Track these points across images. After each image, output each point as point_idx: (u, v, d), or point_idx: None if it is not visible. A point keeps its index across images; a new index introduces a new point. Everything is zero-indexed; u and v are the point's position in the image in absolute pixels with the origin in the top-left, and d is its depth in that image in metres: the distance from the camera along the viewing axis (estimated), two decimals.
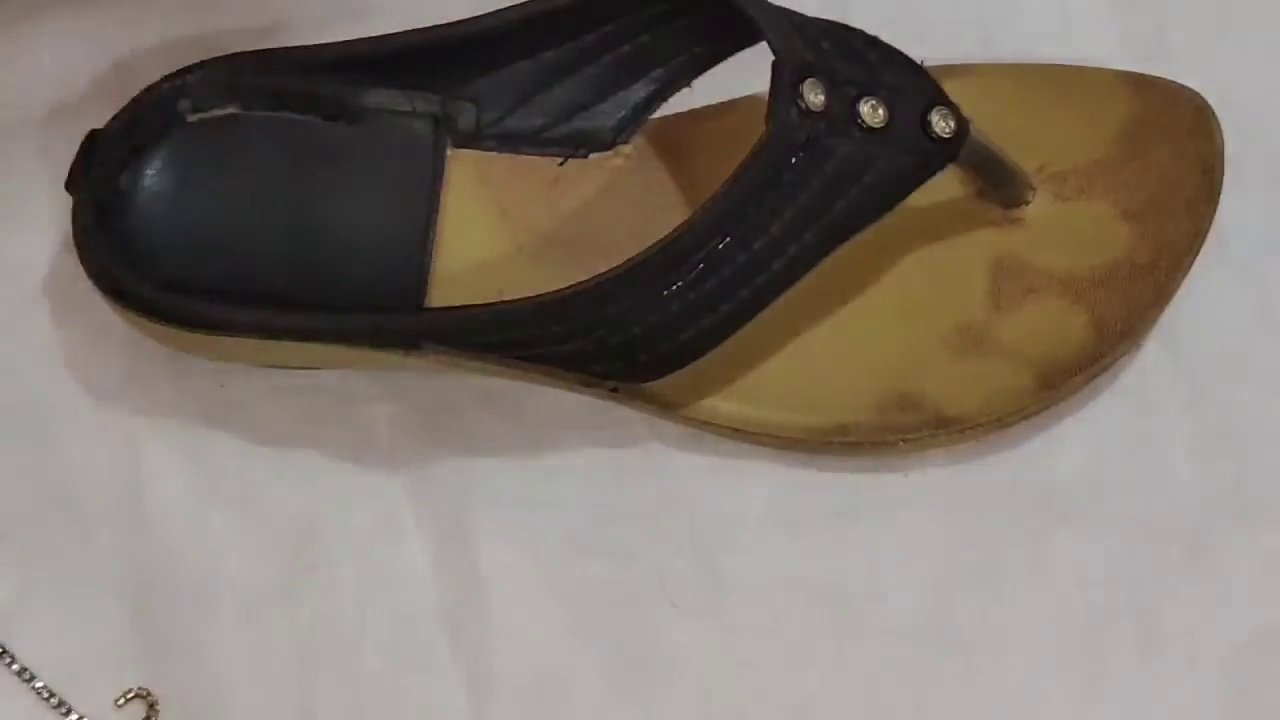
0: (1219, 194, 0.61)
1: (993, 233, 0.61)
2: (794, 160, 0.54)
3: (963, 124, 0.57)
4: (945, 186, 0.60)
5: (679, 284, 0.56)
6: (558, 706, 0.59)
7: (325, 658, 0.60)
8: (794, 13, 0.56)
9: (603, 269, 0.56)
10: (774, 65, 0.54)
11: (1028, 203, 0.61)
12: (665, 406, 0.60)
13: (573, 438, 0.62)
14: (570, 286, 0.56)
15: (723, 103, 0.62)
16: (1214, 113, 0.62)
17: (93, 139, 0.61)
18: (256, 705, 0.59)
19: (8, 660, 0.59)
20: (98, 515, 0.61)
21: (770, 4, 0.57)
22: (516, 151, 0.62)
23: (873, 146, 0.54)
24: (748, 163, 0.54)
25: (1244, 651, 0.59)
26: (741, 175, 0.54)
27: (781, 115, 0.54)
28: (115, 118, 0.61)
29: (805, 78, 0.54)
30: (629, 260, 0.55)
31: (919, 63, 0.58)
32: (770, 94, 0.54)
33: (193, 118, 0.62)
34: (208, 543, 0.61)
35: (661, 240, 0.55)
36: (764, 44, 0.56)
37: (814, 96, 0.54)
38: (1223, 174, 0.61)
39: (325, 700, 0.59)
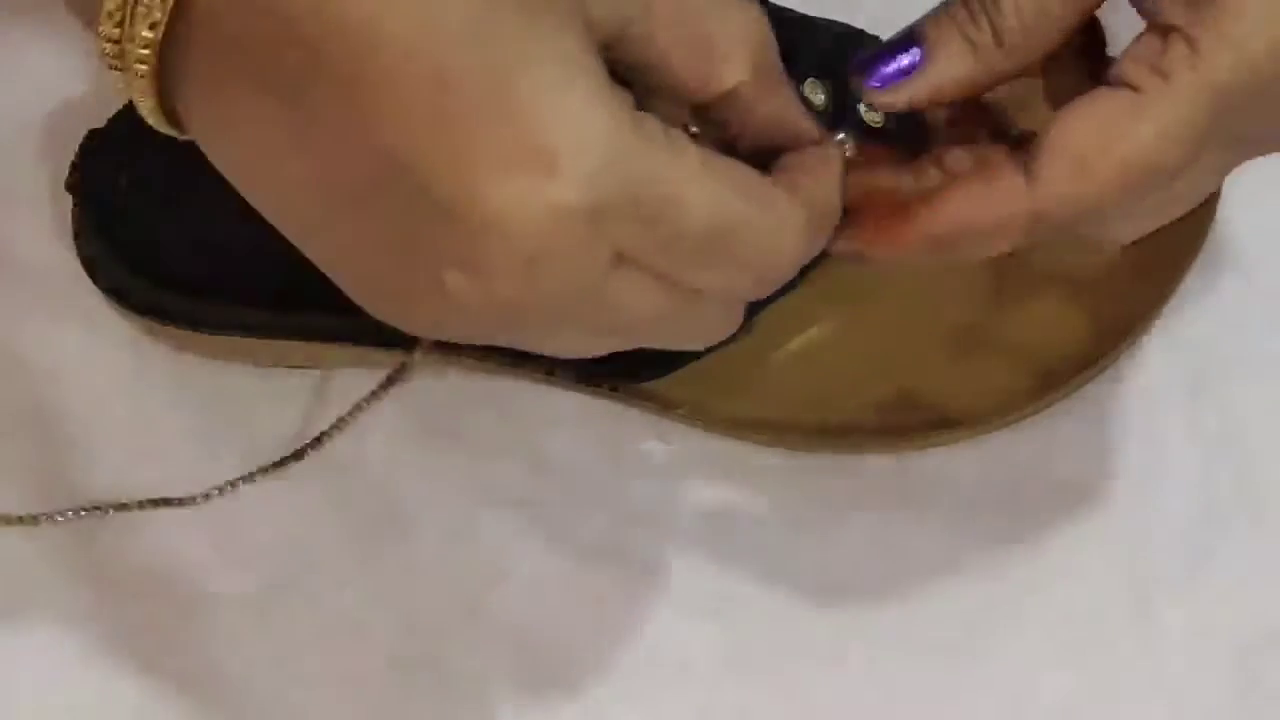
0: (1219, 194, 0.61)
1: None
2: None
3: None
4: None
5: None
6: (558, 706, 0.59)
7: (325, 658, 0.60)
8: (795, 12, 0.57)
9: None
10: None
11: None
12: (665, 405, 0.60)
13: (573, 437, 0.62)
14: None
15: None
16: None
17: (93, 138, 0.61)
18: (256, 705, 0.59)
19: None
20: (97, 515, 0.61)
21: (771, 3, 0.57)
22: None
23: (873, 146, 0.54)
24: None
25: (1245, 651, 0.59)
26: None
27: None
28: (115, 116, 0.61)
29: (806, 77, 0.54)
30: None
31: None
32: None
33: None
34: (208, 542, 0.61)
35: None
36: None
37: (814, 96, 0.54)
38: None
39: (326, 700, 0.59)
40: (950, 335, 0.60)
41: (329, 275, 0.45)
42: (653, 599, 0.60)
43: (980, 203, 0.45)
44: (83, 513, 0.60)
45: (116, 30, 0.43)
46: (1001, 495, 0.61)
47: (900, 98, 0.47)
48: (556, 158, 0.40)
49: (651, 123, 0.42)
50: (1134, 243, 0.60)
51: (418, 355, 0.59)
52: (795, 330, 0.60)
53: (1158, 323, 0.61)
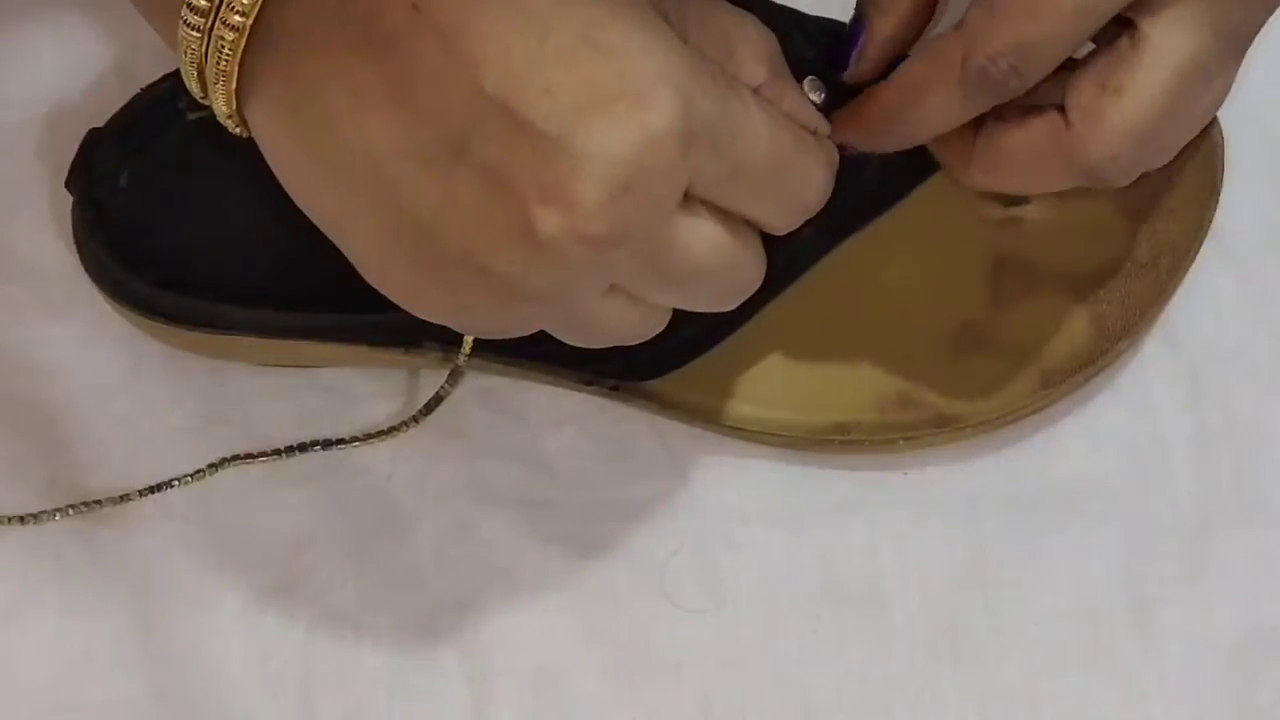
0: (1219, 192, 0.61)
1: (993, 231, 0.61)
2: None
3: None
4: (945, 185, 0.60)
5: None
6: (558, 705, 0.59)
7: (325, 658, 0.60)
8: (795, 10, 0.56)
9: None
10: None
11: (1027, 202, 0.61)
12: (665, 405, 0.60)
13: (573, 437, 0.62)
14: None
15: None
16: None
17: (93, 138, 0.61)
18: (257, 705, 0.59)
19: None
20: (97, 514, 0.61)
21: (772, 2, 0.57)
22: None
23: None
24: None
25: (1243, 650, 0.59)
26: None
27: None
28: (115, 116, 0.62)
29: (804, 75, 0.54)
30: None
31: None
32: None
33: (192, 116, 0.62)
34: (207, 542, 0.61)
35: None
36: None
37: (813, 94, 0.54)
38: (1223, 172, 0.61)
39: (325, 700, 0.59)
40: (950, 334, 0.60)
41: (371, 258, 0.48)
42: (652, 599, 0.60)
43: (920, 66, 0.52)
44: (83, 509, 0.60)
45: None
46: (1001, 495, 0.61)
47: (866, 67, 0.54)
48: (651, 90, 0.44)
49: (715, 66, 0.47)
50: (1134, 241, 0.60)
51: (462, 359, 0.59)
52: (795, 330, 0.60)
53: (1157, 322, 0.61)
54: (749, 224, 0.50)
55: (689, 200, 0.47)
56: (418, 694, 0.59)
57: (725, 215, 0.48)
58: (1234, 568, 0.60)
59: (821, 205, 0.51)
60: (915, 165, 0.56)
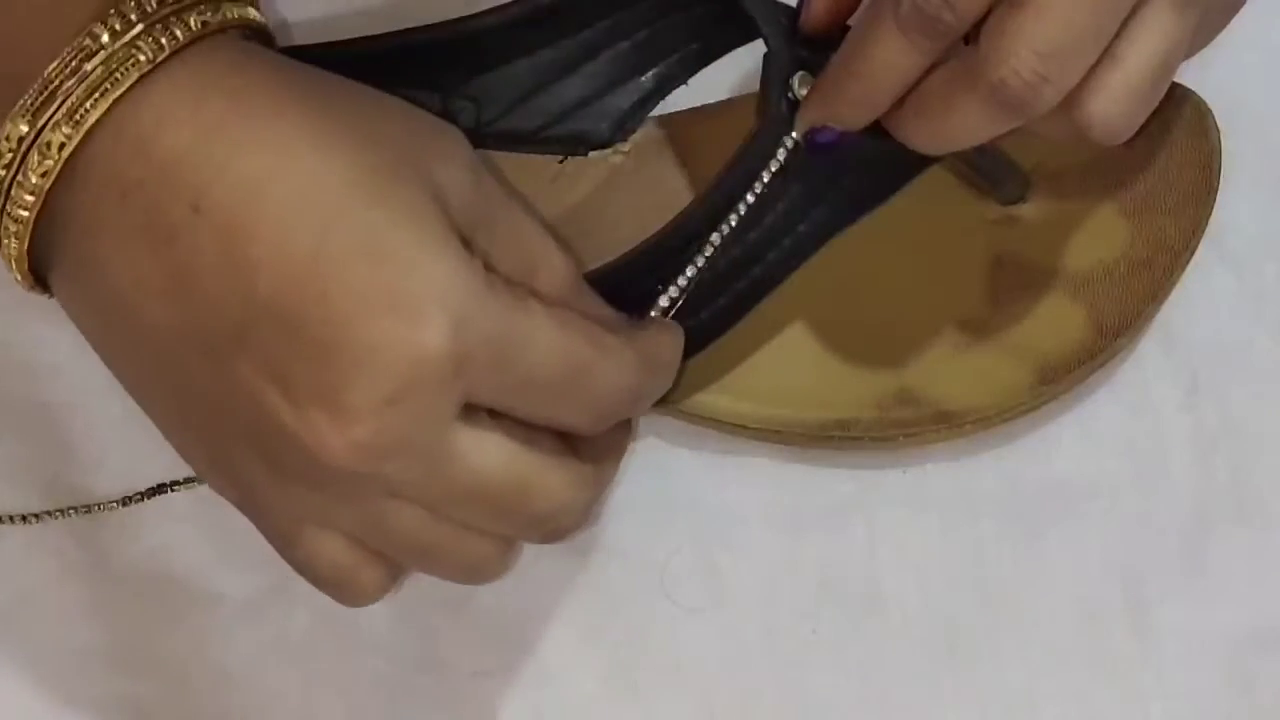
0: (1216, 191, 0.61)
1: (991, 230, 0.61)
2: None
3: None
4: (944, 184, 0.60)
5: None
6: (558, 705, 0.59)
7: (325, 658, 0.60)
8: (791, 8, 0.57)
9: None
10: (765, 58, 0.55)
11: (1025, 200, 0.61)
12: (664, 402, 0.60)
13: None
14: None
15: (721, 101, 0.62)
16: (1211, 111, 0.62)
17: None
18: (256, 705, 0.59)
19: None
20: (98, 515, 0.61)
21: (771, 1, 0.57)
22: (517, 150, 0.62)
23: (864, 137, 0.54)
24: (738, 156, 0.54)
25: (1240, 649, 0.59)
26: (732, 169, 0.54)
27: (772, 107, 0.54)
28: None
29: (797, 70, 0.54)
30: (623, 255, 0.55)
31: None
32: (761, 86, 0.54)
33: None
34: (208, 542, 0.61)
35: (654, 234, 0.55)
36: (760, 43, 0.56)
37: (805, 90, 0.54)
38: (1220, 172, 0.61)
39: (325, 700, 0.59)
40: (949, 330, 0.60)
41: (168, 430, 0.50)
42: (652, 598, 0.60)
43: (863, 18, 0.51)
44: (85, 510, 0.60)
45: (2, 173, 0.46)
46: (1000, 494, 0.61)
47: (817, 11, 0.54)
48: (424, 306, 0.44)
49: (500, 281, 0.47)
50: (1131, 239, 0.60)
51: None
52: (793, 327, 0.60)
53: (1154, 322, 0.61)
54: (562, 443, 0.50)
55: (472, 412, 0.47)
56: (418, 693, 0.59)
57: (523, 427, 0.48)
58: (1231, 567, 0.60)
59: (641, 405, 0.52)
60: (906, 159, 0.56)
